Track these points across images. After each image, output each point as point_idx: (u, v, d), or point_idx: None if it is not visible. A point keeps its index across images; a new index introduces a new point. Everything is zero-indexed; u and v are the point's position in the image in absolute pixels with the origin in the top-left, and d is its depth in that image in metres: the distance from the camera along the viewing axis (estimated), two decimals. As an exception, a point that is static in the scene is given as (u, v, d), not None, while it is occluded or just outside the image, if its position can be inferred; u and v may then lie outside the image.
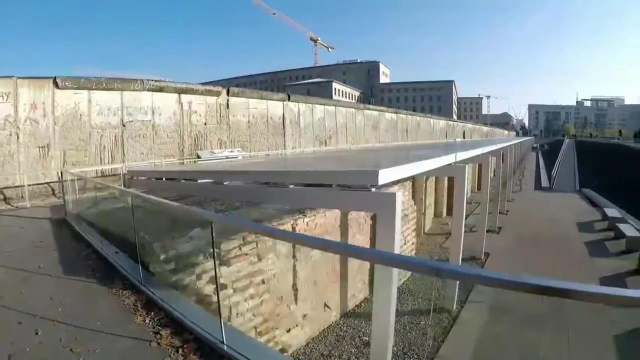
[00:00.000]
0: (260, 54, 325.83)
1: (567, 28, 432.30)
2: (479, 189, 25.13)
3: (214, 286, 5.84)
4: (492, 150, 16.70)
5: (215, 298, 5.65)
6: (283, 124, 18.23)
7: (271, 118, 17.56)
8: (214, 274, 5.89)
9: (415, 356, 8.25)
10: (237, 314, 6.19)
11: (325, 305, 9.26)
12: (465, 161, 10.58)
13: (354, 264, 10.03)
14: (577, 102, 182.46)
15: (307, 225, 8.56)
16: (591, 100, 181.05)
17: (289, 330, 8.09)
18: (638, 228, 17.60)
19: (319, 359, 8.22)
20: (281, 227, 7.77)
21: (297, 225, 8.26)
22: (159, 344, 3.69)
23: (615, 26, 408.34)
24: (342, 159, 9.89)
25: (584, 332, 8.89)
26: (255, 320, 6.49)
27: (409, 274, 11.10)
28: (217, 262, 5.52)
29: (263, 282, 6.85)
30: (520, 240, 16.93)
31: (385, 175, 4.45)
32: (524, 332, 8.94)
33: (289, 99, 18.52)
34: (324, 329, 9.25)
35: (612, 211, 21.12)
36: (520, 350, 8.36)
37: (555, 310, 9.43)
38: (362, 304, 10.51)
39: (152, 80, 13.85)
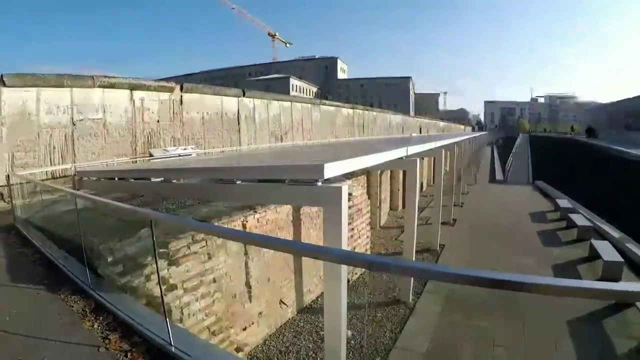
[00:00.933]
0: (219, 49, 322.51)
1: (522, 26, 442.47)
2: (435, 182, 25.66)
3: (163, 287, 5.82)
4: (446, 145, 17.10)
5: (164, 299, 5.65)
6: (238, 120, 17.99)
7: (226, 114, 17.28)
8: (161, 274, 5.86)
9: (373, 348, 8.40)
10: (189, 314, 6.12)
11: (281, 301, 9.31)
12: (418, 155, 10.82)
13: (308, 259, 10.05)
14: (531, 98, 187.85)
15: (257, 221, 8.53)
16: (545, 97, 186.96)
17: (244, 329, 8.11)
18: (589, 218, 18.59)
19: (277, 355, 8.27)
20: (231, 225, 7.73)
21: (247, 222, 8.22)
22: (107, 348, 3.66)
23: (570, 25, 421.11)
24: (295, 154, 9.89)
25: (538, 318, 9.27)
26: (209, 320, 6.43)
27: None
28: (160, 261, 5.53)
29: (214, 280, 6.78)
30: (475, 231, 17.44)
31: (332, 169, 4.48)
32: (480, 321, 9.24)
33: (244, 95, 18.31)
34: (281, 326, 9.29)
35: (564, 202, 22.10)
36: (477, 339, 8.61)
37: (509, 297, 9.78)
38: (319, 299, 10.56)
39: (103, 76, 13.45)
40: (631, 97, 57.89)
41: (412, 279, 10.20)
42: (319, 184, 4.55)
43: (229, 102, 17.61)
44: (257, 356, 8.20)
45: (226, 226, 7.41)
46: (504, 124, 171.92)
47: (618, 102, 66.47)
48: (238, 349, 6.90)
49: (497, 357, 8.02)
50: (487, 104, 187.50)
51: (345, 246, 4.68)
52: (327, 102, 26.57)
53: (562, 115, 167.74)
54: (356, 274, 11.16)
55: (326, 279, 5.12)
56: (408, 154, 9.25)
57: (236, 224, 7.90)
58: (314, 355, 8.18)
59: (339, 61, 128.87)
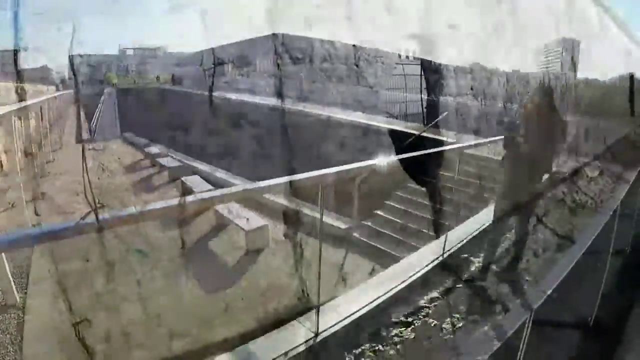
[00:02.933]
0: None
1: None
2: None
3: None
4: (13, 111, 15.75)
5: None
6: None
7: None
8: None
9: None
10: None
11: None
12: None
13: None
14: (119, 51, 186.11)
15: None
16: (134, 49, 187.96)
17: None
18: (179, 159, 20.20)
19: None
20: None
21: None
22: None
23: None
24: None
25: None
26: None
27: None
28: None
29: None
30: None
31: None
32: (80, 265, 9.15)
33: None
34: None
35: (154, 149, 22.86)
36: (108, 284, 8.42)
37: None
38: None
39: None
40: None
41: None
42: None
43: None
44: None
45: None
46: (92, 79, 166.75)
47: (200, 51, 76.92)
48: None
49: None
50: (75, 58, 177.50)
51: None
52: None
53: (154, 66, 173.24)
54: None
55: None
56: None
57: None
58: None
59: None
